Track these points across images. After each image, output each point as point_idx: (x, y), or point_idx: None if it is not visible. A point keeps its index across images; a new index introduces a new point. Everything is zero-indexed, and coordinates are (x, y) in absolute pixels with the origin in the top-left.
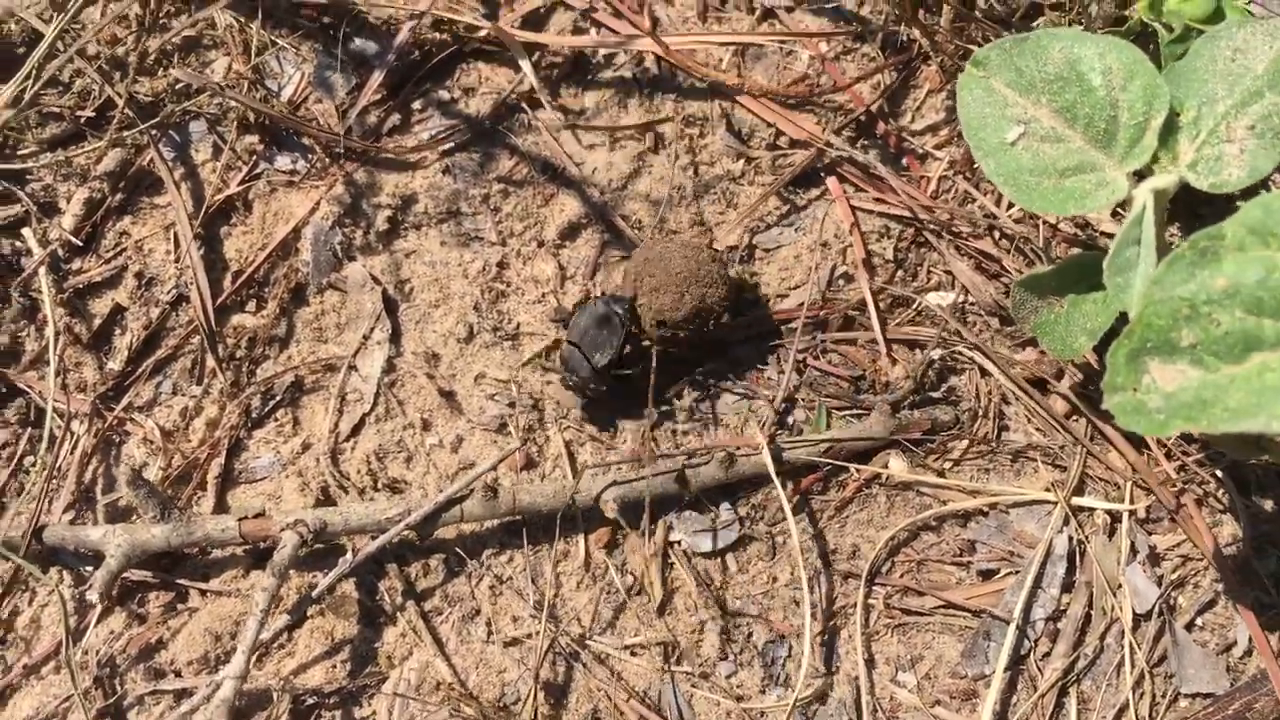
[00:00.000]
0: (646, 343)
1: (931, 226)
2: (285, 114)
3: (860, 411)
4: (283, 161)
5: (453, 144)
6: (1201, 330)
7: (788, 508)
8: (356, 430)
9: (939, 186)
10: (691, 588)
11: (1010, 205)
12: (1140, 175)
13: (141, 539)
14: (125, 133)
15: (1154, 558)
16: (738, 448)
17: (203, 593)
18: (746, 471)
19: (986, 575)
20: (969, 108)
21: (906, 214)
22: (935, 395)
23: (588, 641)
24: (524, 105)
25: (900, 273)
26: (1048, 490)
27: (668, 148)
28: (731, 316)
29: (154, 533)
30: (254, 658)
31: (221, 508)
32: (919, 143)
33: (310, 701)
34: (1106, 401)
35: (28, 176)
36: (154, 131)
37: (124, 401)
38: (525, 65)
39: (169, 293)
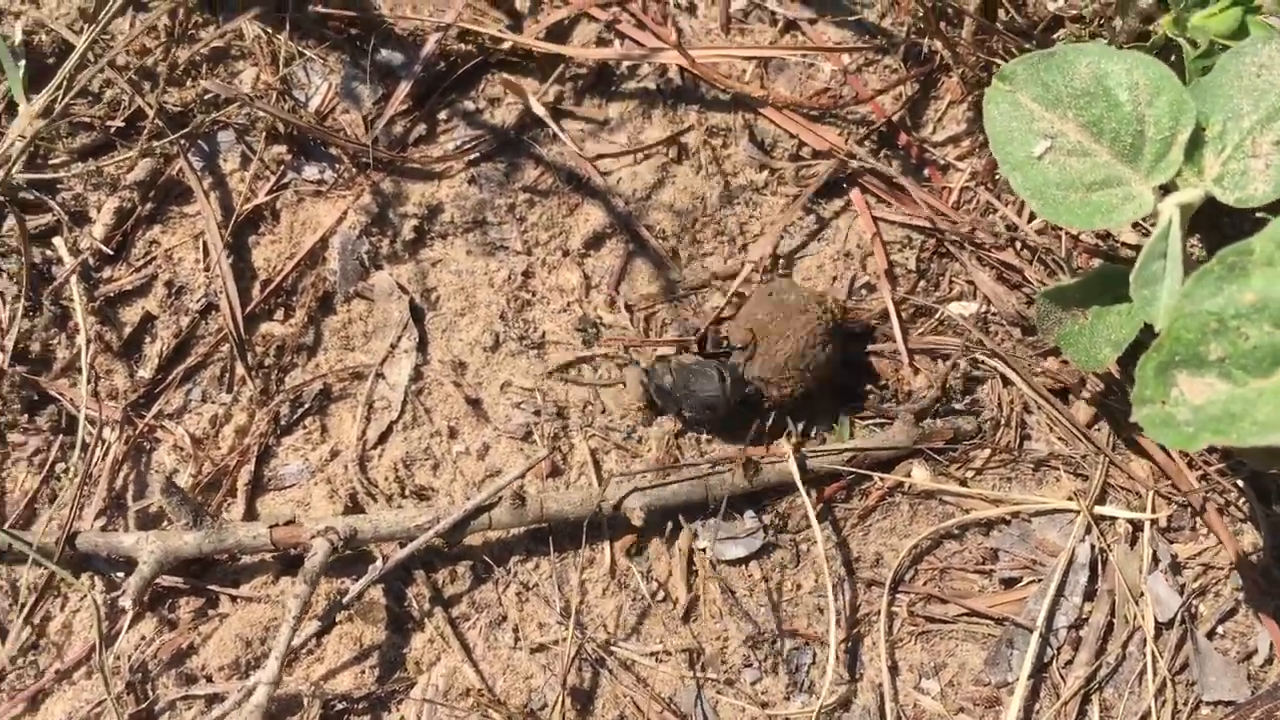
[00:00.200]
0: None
1: (953, 237)
2: (313, 124)
3: (883, 420)
4: (310, 171)
5: (478, 154)
6: (1230, 344)
7: (813, 515)
8: (384, 438)
9: (960, 197)
10: (716, 595)
11: (1032, 216)
12: (1165, 189)
13: (174, 545)
14: (155, 142)
15: (1175, 566)
16: (762, 456)
17: (233, 598)
18: (770, 480)
19: (1009, 583)
20: (995, 122)
21: (928, 225)
22: (958, 405)
23: (613, 648)
24: (547, 117)
25: (922, 283)
26: (1070, 499)
27: (691, 158)
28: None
29: (186, 539)
30: (285, 663)
31: (251, 514)
32: (940, 154)
33: (340, 707)
34: (1135, 414)
35: (59, 186)
36: (183, 141)
37: (154, 409)
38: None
39: (199, 301)
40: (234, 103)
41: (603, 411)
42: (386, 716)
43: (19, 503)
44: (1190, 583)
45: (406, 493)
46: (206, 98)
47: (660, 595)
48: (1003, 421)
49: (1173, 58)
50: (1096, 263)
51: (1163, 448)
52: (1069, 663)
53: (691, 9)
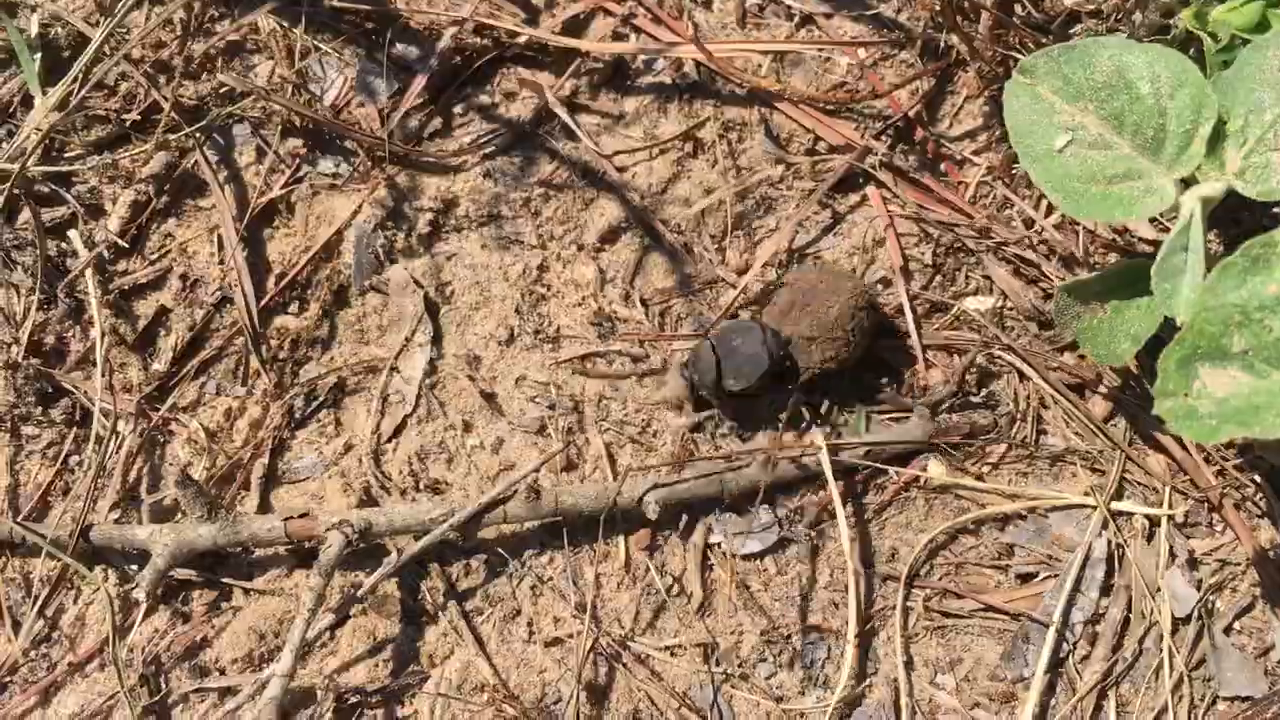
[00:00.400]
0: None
1: (970, 232)
2: (328, 118)
3: (899, 415)
4: (326, 165)
5: (493, 148)
6: (1253, 336)
7: (840, 509)
8: (398, 431)
9: (977, 192)
10: (731, 589)
11: (1049, 210)
12: (1187, 183)
13: (188, 538)
14: (170, 136)
15: (1192, 562)
16: (780, 449)
17: (246, 592)
18: (787, 475)
19: (1025, 579)
20: (1016, 115)
21: (945, 219)
22: (974, 399)
23: (628, 642)
24: (565, 114)
25: (939, 278)
26: (1086, 494)
27: (707, 153)
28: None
29: (200, 532)
30: (299, 656)
31: (265, 508)
32: (957, 148)
33: (353, 700)
34: (1157, 407)
35: (74, 179)
36: (199, 135)
37: (169, 402)
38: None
39: (213, 294)
40: (249, 96)
41: (623, 404)
42: (400, 710)
43: (33, 495)
44: (1207, 578)
45: (421, 486)
46: (222, 91)
47: (675, 590)
48: (1019, 416)
49: (1192, 52)
50: (1114, 258)
51: (1180, 443)
52: (1085, 658)
53: (707, 3)
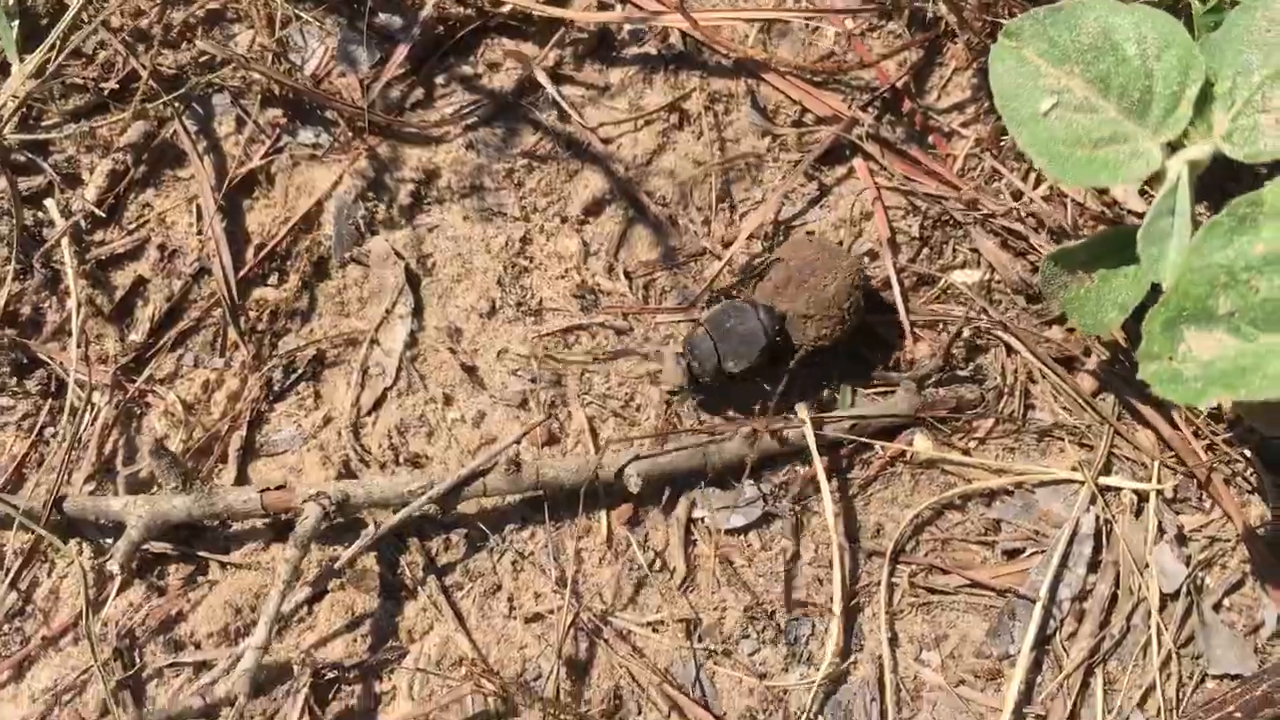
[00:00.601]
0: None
1: (957, 205)
2: (309, 88)
3: (885, 389)
4: (306, 135)
5: (476, 119)
6: (1239, 297)
7: (825, 484)
8: (378, 404)
9: (965, 164)
10: (714, 565)
11: (1038, 182)
12: (1174, 146)
13: (163, 510)
14: (149, 105)
15: (1181, 538)
16: (765, 425)
17: (223, 565)
18: (770, 449)
19: (1012, 554)
20: (1001, 78)
21: (932, 192)
22: (961, 373)
23: (610, 618)
24: (551, 86)
25: (926, 250)
26: (1074, 469)
27: (693, 124)
28: None
29: (175, 504)
30: (275, 630)
31: (242, 480)
32: (945, 120)
33: (331, 675)
34: (1142, 371)
35: (51, 148)
36: (177, 104)
37: (145, 373)
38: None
39: (191, 265)
40: (229, 65)
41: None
42: (378, 686)
43: (7, 467)
44: (1196, 554)
45: (400, 460)
46: (201, 60)
47: (657, 565)
48: (1006, 391)
49: (1182, 15)
50: (1102, 229)
51: (1168, 419)
52: (1072, 635)
53: None
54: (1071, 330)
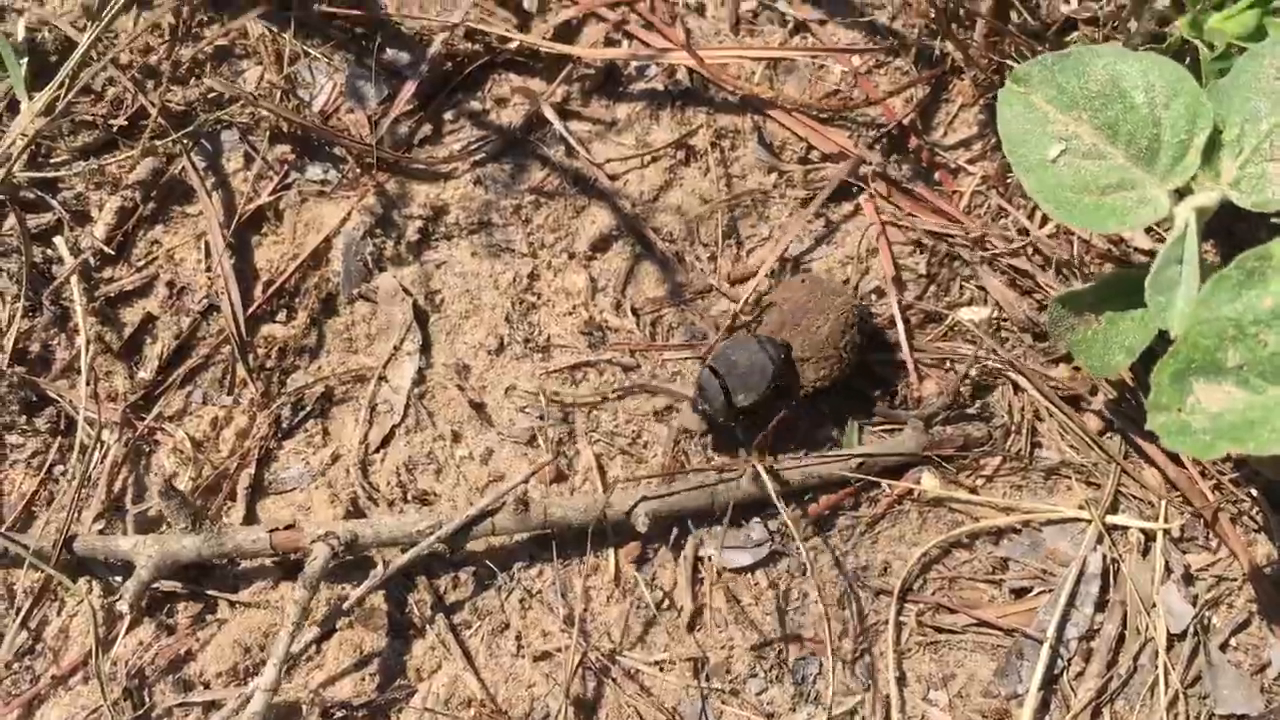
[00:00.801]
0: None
1: (964, 242)
2: (317, 124)
3: (892, 427)
4: (314, 171)
5: (484, 155)
6: (1248, 351)
7: (796, 531)
8: (386, 441)
9: (971, 201)
10: (722, 604)
11: (1044, 221)
12: (1181, 193)
13: (172, 550)
14: (157, 141)
15: (1188, 577)
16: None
17: (232, 604)
18: (778, 487)
19: (1019, 593)
20: (1009, 124)
21: (938, 229)
22: (968, 411)
23: (617, 657)
24: (559, 123)
25: (933, 288)
26: (1081, 508)
27: (699, 160)
28: None
29: (185, 544)
30: (283, 670)
31: (251, 518)
32: (951, 157)
33: (339, 715)
34: (1151, 422)
35: (60, 185)
36: (186, 140)
37: (154, 411)
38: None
39: (200, 302)
40: (237, 102)
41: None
42: None
43: (16, 505)
44: (1203, 594)
45: (409, 497)
46: (210, 96)
47: (665, 603)
48: (1014, 429)
49: (1188, 60)
50: (1109, 268)
51: (1175, 457)
52: (1080, 674)
53: (700, 10)
54: (1078, 368)
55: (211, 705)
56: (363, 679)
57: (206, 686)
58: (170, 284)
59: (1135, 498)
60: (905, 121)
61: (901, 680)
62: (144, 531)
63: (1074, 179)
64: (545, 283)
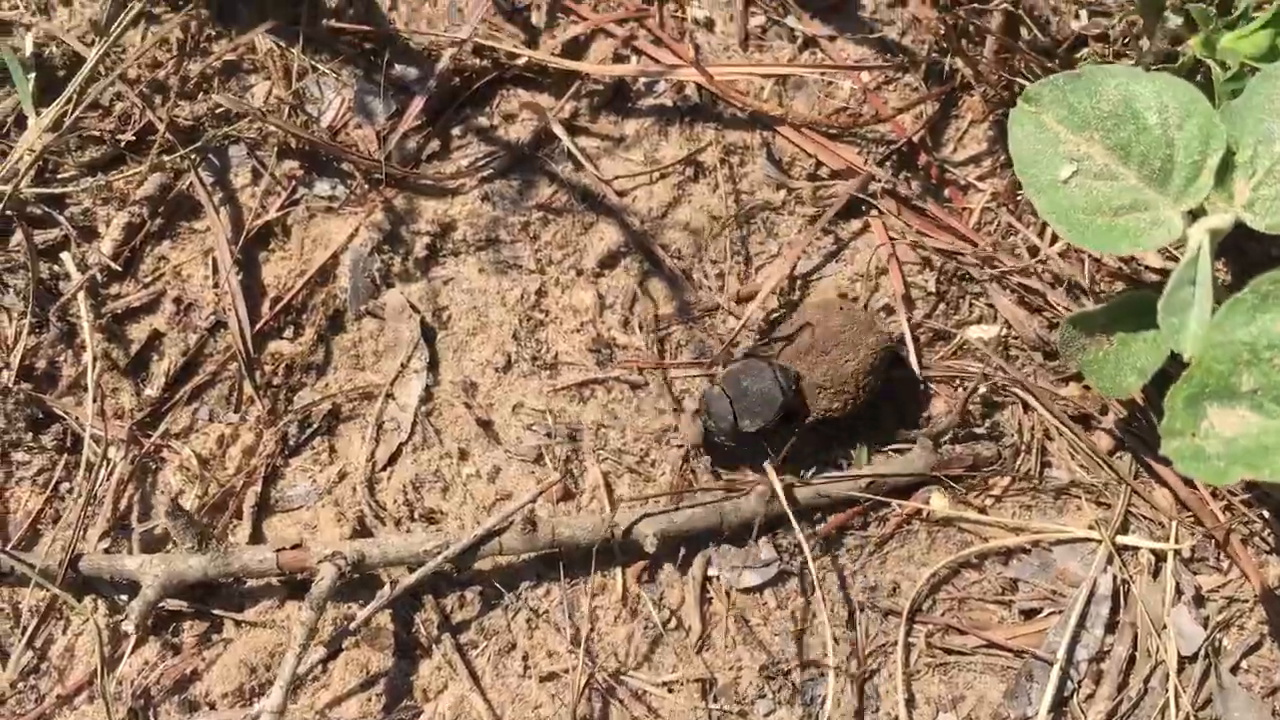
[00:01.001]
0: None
1: (973, 260)
2: (325, 140)
3: (901, 446)
4: (322, 187)
5: (492, 171)
6: (1262, 375)
7: (806, 548)
8: (393, 459)
9: (981, 219)
10: (730, 624)
11: (1054, 238)
12: (1194, 214)
13: (178, 569)
14: (165, 157)
15: (1199, 599)
16: (779, 484)
17: (238, 623)
18: (785, 508)
19: (1029, 614)
20: (1020, 144)
21: (948, 247)
22: (978, 430)
23: (624, 677)
24: (568, 139)
25: (942, 306)
26: (1091, 528)
27: (708, 177)
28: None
29: (191, 563)
30: (290, 692)
31: (257, 537)
32: (961, 174)
33: None
34: (1164, 447)
35: (67, 200)
36: (194, 156)
37: (161, 428)
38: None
39: (207, 319)
40: (245, 117)
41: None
42: None
43: (22, 523)
44: (1214, 615)
45: (415, 516)
46: (218, 112)
47: (673, 623)
48: (1023, 448)
49: (1200, 80)
50: (1119, 287)
51: (1185, 478)
52: (1090, 697)
53: (709, 26)
54: (1088, 388)
55: None
56: (369, 699)
57: (212, 707)
58: (177, 300)
59: (1146, 518)
60: (915, 138)
61: (910, 702)
62: (150, 550)
63: (1086, 200)
64: (553, 300)
